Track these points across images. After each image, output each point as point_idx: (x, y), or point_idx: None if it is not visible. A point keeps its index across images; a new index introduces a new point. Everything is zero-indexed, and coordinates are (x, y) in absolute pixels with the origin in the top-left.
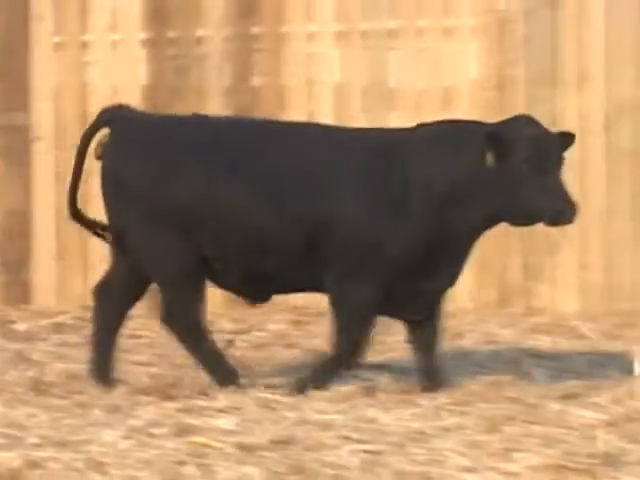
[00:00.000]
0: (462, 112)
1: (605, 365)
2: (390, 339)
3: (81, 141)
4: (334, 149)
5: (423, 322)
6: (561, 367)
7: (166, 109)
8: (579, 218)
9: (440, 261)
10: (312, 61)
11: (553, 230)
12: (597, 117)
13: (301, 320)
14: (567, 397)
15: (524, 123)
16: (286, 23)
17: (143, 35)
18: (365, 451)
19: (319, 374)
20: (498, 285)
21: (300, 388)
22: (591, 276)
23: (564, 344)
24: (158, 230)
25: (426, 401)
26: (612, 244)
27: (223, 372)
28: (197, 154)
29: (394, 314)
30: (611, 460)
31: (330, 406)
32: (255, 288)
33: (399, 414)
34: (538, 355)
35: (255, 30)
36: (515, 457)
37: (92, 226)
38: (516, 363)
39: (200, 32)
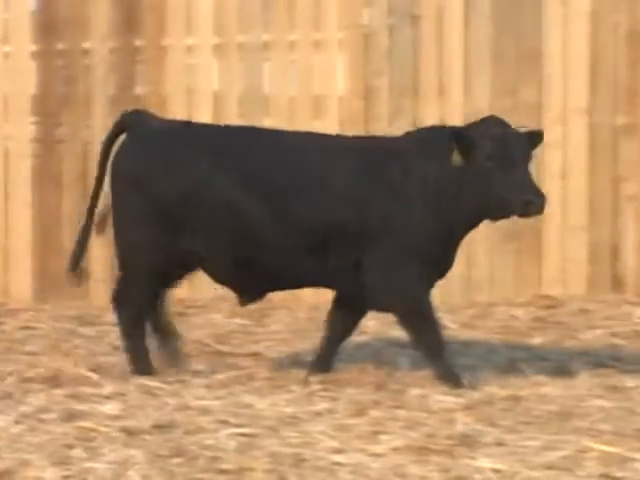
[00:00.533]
0: (331, 119)
1: (463, 353)
2: (261, 330)
3: (103, 146)
4: (331, 154)
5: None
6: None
7: (54, 117)
8: None
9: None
10: (192, 71)
11: None
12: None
13: (184, 312)
14: (428, 383)
15: (490, 124)
16: (167, 36)
17: (33, 47)
18: (241, 434)
19: (439, 370)
20: None
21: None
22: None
23: None
24: (145, 227)
25: (299, 387)
26: (470, 239)
27: (142, 367)
28: (206, 158)
29: None
30: (468, 441)
31: (209, 392)
32: (250, 286)
33: (273, 400)
34: (401, 345)
35: (138, 42)
36: (381, 439)
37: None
38: (381, 352)
39: (87, 44)
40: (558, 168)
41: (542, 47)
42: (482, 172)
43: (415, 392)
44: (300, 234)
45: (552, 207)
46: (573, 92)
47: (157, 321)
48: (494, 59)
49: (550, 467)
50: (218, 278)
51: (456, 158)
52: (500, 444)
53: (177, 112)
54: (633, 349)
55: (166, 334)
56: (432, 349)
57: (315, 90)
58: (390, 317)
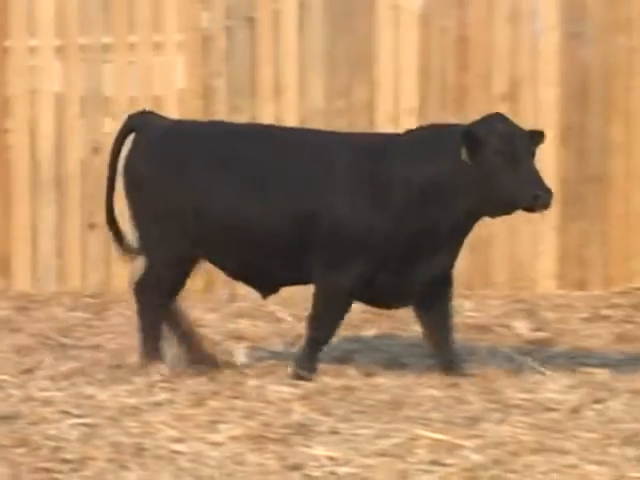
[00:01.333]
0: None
1: (298, 345)
2: (102, 323)
3: (112, 147)
4: (323, 150)
5: (432, 310)
6: (259, 348)
7: None
8: None
9: (423, 253)
10: (34, 73)
11: None
12: (292, 124)
13: (27, 306)
14: (265, 374)
15: (496, 121)
16: (9, 38)
17: None
18: (84, 424)
19: (302, 359)
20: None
21: (295, 376)
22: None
23: (263, 327)
24: (164, 224)
25: (140, 379)
26: None
27: (151, 356)
28: (212, 157)
29: (373, 302)
30: (304, 430)
31: (52, 384)
32: (262, 283)
33: (115, 391)
34: (239, 337)
35: None
36: (219, 428)
37: (120, 238)
38: (219, 344)
39: None
40: None
41: (374, 49)
42: (490, 168)
43: (253, 383)
44: (299, 231)
45: None
46: (404, 93)
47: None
48: (328, 61)
49: (382, 454)
50: (232, 275)
51: (464, 154)
52: (334, 432)
53: (19, 113)
54: (462, 340)
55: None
56: (317, 332)
57: (155, 91)
58: (229, 310)
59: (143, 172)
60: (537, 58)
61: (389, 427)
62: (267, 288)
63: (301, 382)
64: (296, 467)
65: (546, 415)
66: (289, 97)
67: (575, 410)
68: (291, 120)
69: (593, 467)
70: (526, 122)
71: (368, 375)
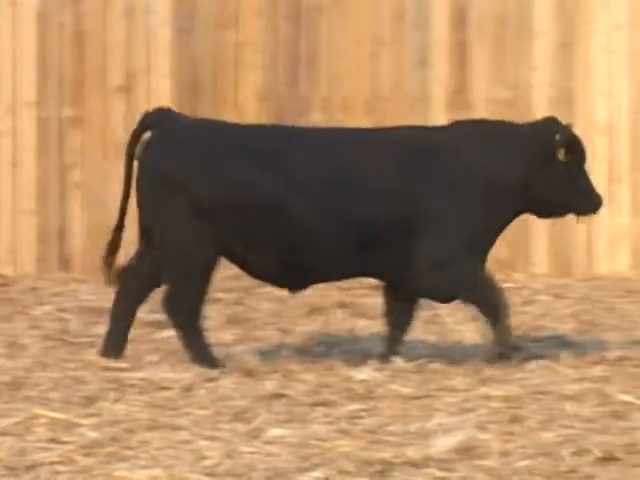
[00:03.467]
0: None
1: None
2: None
3: (128, 145)
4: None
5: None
6: None
7: None
8: None
9: (489, 246)
10: None
11: None
12: None
13: None
14: None
15: (562, 125)
16: None
17: None
18: None
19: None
20: None
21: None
22: None
23: None
24: (188, 224)
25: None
26: None
27: (208, 363)
28: (233, 154)
29: None
30: None
31: None
32: (294, 279)
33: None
34: None
35: None
36: None
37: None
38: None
39: None
40: (9, 156)
41: None
42: (568, 170)
43: None
44: (346, 228)
45: (4, 192)
46: (22, 86)
47: None
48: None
49: (3, 434)
50: (258, 275)
51: (561, 154)
52: None
53: None
54: (78, 322)
55: None
56: (499, 315)
57: None
58: None
59: (175, 170)
60: (151, 52)
61: (9, 407)
62: (301, 286)
63: None
64: None
65: (160, 394)
66: None
67: (188, 389)
68: None
69: (205, 442)
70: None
71: None
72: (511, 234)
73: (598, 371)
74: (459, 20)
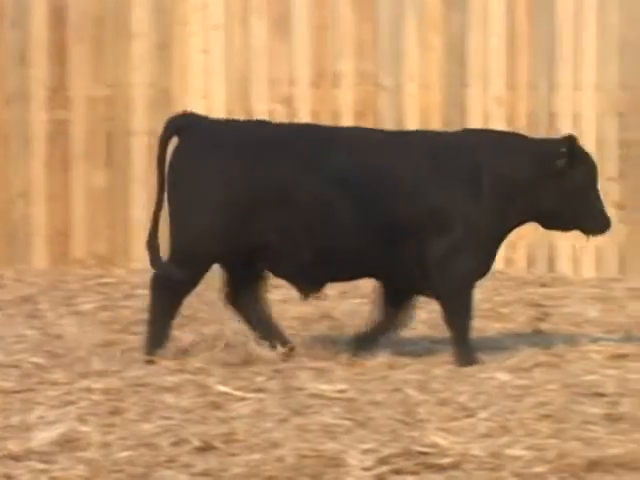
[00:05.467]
0: None
1: None
2: None
3: (158, 150)
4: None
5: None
6: None
7: None
8: None
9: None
10: None
11: None
12: None
13: None
14: None
15: (578, 143)
16: None
17: None
18: None
19: (462, 352)
20: None
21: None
22: None
23: None
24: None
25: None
26: None
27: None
28: (261, 153)
29: None
30: None
31: None
32: (313, 277)
33: None
34: None
35: None
36: None
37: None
38: None
39: None
40: None
41: None
42: (576, 185)
43: None
44: (370, 227)
45: None
46: None
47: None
48: None
49: None
50: (279, 272)
51: (560, 164)
52: None
53: None
54: None
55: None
56: (461, 330)
57: None
58: None
59: (211, 170)
60: None
61: None
62: (318, 284)
63: None
64: None
65: None
66: None
67: None
68: None
69: None
70: None
71: None
72: (111, 231)
73: (197, 362)
74: (58, 19)
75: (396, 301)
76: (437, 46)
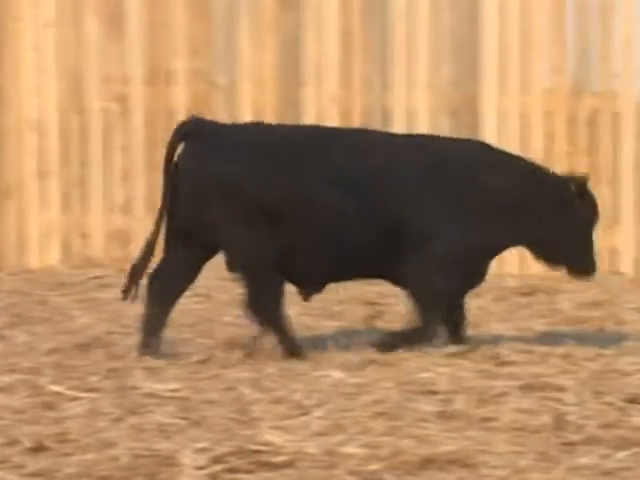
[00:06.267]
0: None
1: None
2: None
3: (166, 156)
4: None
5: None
6: None
7: None
8: None
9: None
10: None
11: None
12: None
13: None
14: None
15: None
16: None
17: None
18: None
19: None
20: None
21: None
22: None
23: None
24: (241, 228)
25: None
26: None
27: (297, 351)
28: (271, 158)
29: None
30: None
31: None
32: (318, 279)
33: None
34: None
35: None
36: None
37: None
38: None
39: None
40: None
41: None
42: (573, 223)
43: None
44: (370, 229)
45: None
46: None
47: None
48: None
49: None
50: (280, 272)
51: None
52: None
53: None
54: None
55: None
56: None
57: None
58: None
59: (227, 175)
60: None
61: None
62: (319, 285)
63: None
64: None
65: None
66: None
67: None
68: None
69: None
70: None
71: None
72: None
73: (29, 362)
74: None
75: None
76: (271, 45)
